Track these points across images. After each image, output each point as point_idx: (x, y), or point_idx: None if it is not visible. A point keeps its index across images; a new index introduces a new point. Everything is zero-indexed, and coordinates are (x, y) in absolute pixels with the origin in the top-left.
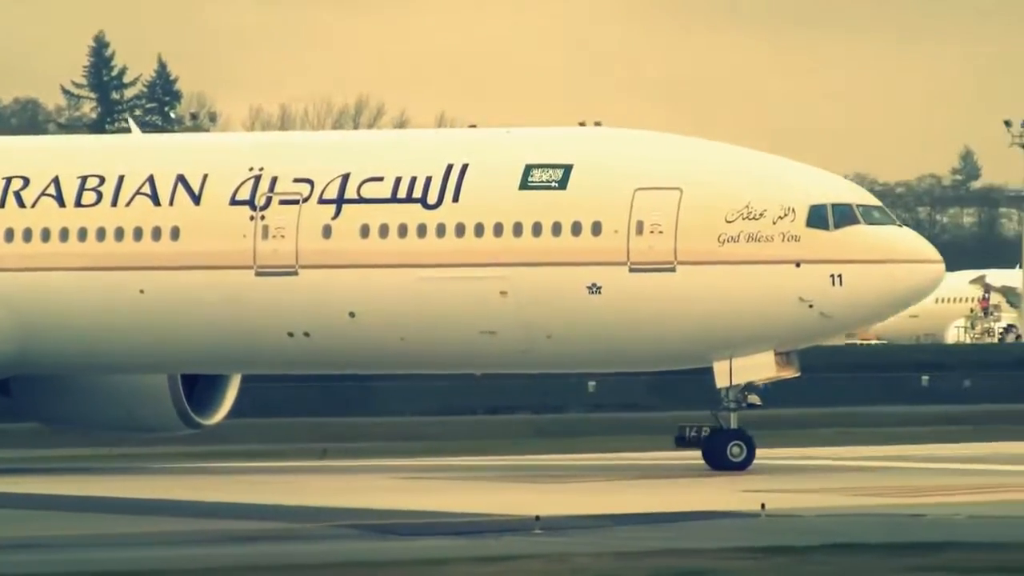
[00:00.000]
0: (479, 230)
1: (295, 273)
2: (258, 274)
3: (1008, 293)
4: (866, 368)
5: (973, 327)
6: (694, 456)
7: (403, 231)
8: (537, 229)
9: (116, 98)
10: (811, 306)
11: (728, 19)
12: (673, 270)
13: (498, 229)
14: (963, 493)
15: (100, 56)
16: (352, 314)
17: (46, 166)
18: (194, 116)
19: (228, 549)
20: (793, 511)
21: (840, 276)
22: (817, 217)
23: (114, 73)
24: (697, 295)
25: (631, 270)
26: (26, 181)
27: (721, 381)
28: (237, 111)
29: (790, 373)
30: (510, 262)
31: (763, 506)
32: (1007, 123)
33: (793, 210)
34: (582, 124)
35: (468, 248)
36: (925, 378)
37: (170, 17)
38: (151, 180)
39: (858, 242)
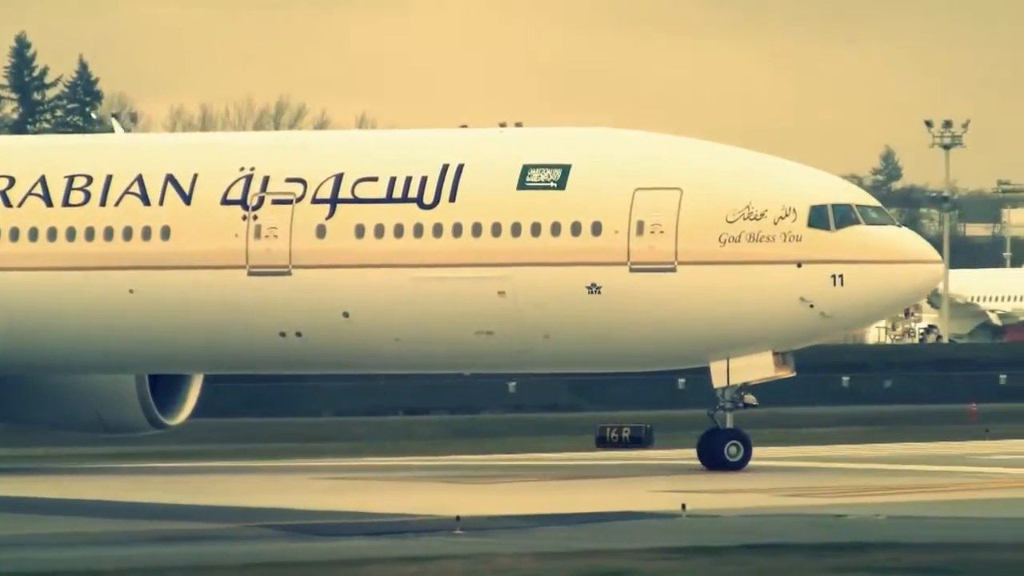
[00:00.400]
0: (477, 230)
1: (288, 273)
2: (251, 274)
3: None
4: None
5: (894, 328)
6: (615, 456)
7: (399, 231)
8: (536, 229)
9: (37, 99)
10: (812, 306)
11: (648, 18)
12: (674, 270)
13: (496, 229)
14: (884, 494)
15: (21, 57)
16: (346, 314)
17: (32, 166)
18: (115, 116)
19: (146, 550)
20: (713, 511)
21: (842, 276)
22: (818, 217)
23: (35, 74)
24: (698, 295)
25: (631, 270)
26: (11, 181)
27: (718, 381)
28: (158, 112)
29: (786, 373)
30: (509, 262)
31: (684, 506)
32: (928, 124)
33: (794, 210)
34: (502, 125)
35: (466, 248)
36: (846, 379)
37: (91, 18)
38: (140, 180)
39: (860, 242)
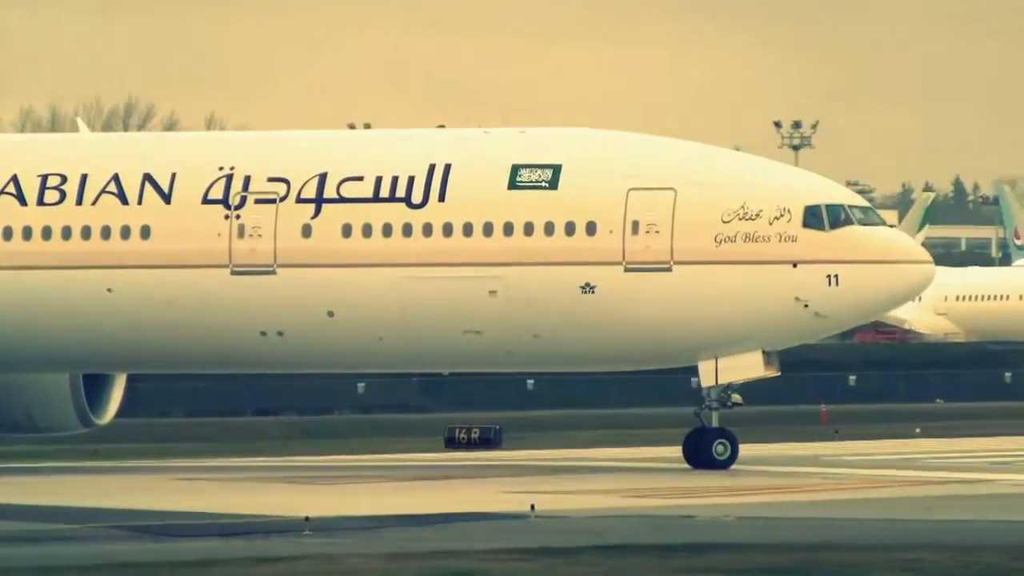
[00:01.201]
0: (468, 229)
1: (273, 272)
2: (234, 273)
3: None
4: (633, 372)
5: None
6: (464, 457)
7: (387, 230)
8: (529, 228)
9: None
10: (806, 306)
11: (481, 17)
12: (669, 270)
13: (488, 228)
14: (732, 494)
15: None
16: (331, 313)
17: (3, 165)
18: None
19: None
20: (562, 512)
21: (837, 276)
22: (812, 217)
23: None
24: (693, 294)
25: (627, 269)
26: None
27: (706, 380)
28: (7, 113)
29: (772, 372)
30: (501, 261)
31: (532, 507)
32: (777, 124)
33: (789, 211)
34: (351, 127)
35: (457, 247)
36: (695, 380)
37: None
38: (116, 179)
39: (854, 243)
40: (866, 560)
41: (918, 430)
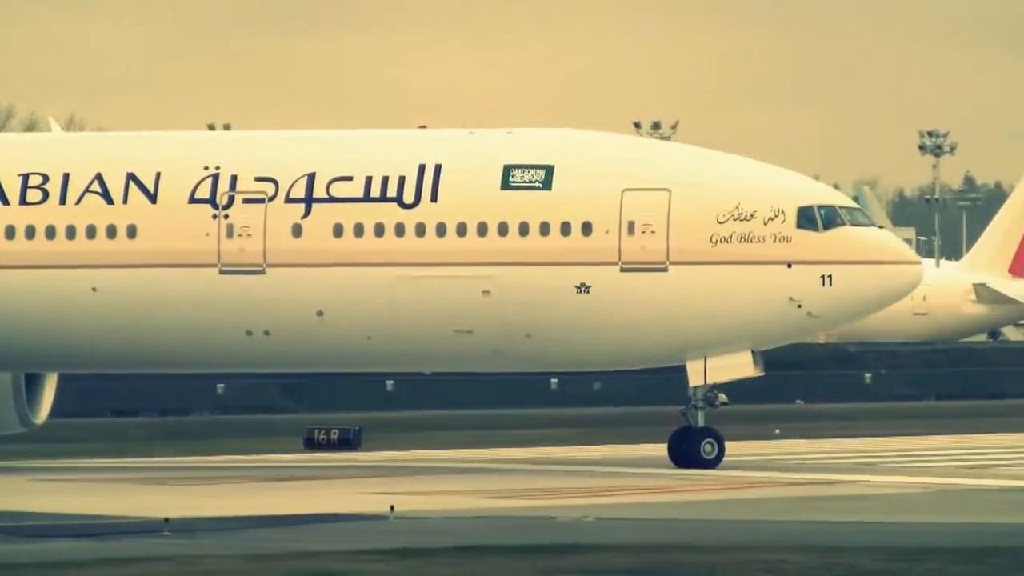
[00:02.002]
0: (462, 229)
1: (262, 272)
2: (222, 272)
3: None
4: (494, 373)
5: None
6: (324, 458)
7: (380, 230)
8: (524, 229)
9: None
10: (800, 306)
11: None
12: (665, 270)
13: (482, 228)
14: (591, 495)
15: None
16: (320, 313)
17: None
18: None
19: None
20: (422, 513)
21: (830, 276)
22: (805, 218)
23: None
24: (689, 295)
25: (622, 270)
26: None
27: (694, 380)
28: None
29: (758, 372)
30: (495, 261)
31: (392, 508)
32: (637, 125)
33: (782, 211)
34: (211, 127)
35: (451, 247)
36: (555, 381)
37: None
38: (99, 178)
39: (847, 243)
40: (727, 561)
41: (778, 431)
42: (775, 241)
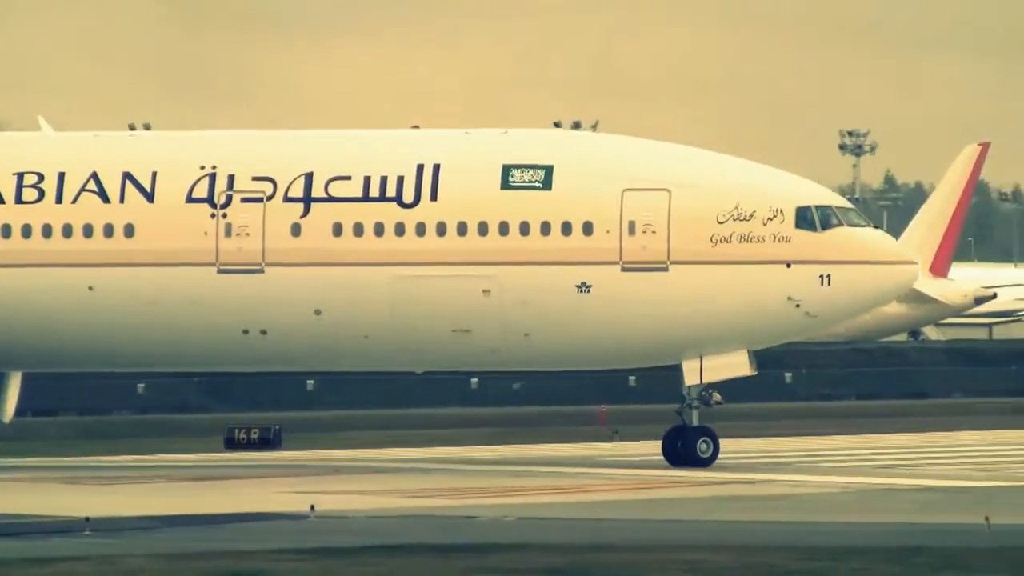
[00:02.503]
0: (462, 229)
1: (261, 271)
2: (220, 271)
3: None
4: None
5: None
6: (244, 458)
7: (379, 229)
8: (525, 228)
9: None
10: (798, 305)
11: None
12: (666, 269)
13: (483, 228)
14: (512, 495)
15: None
16: (318, 312)
17: None
18: None
19: None
20: (343, 512)
21: (829, 276)
22: (803, 219)
23: None
24: (689, 294)
25: (623, 269)
26: None
27: (690, 379)
28: None
29: (752, 372)
30: (496, 261)
31: (312, 507)
32: (557, 124)
33: (781, 211)
34: (131, 128)
35: (451, 247)
36: (475, 380)
37: None
38: (95, 177)
39: (845, 243)
40: (648, 560)
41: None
42: (775, 241)
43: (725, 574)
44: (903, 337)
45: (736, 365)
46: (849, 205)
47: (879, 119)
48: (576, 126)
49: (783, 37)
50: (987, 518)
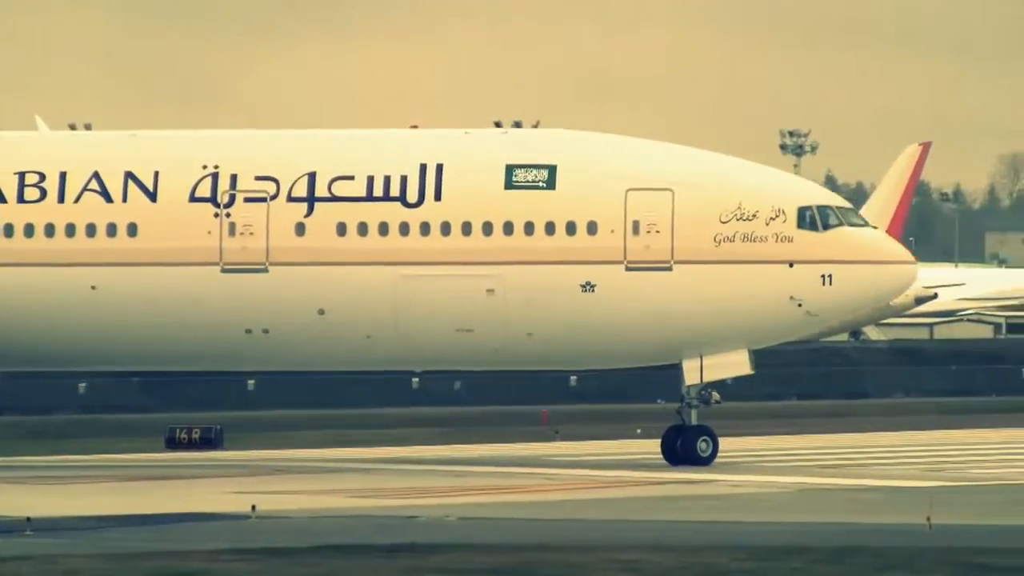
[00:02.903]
0: (467, 228)
1: (265, 270)
2: (224, 271)
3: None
4: (356, 371)
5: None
6: (185, 458)
7: (384, 229)
8: (529, 228)
9: None
10: (800, 305)
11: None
12: (670, 269)
13: (487, 228)
14: (454, 495)
15: None
16: (322, 311)
17: None
18: None
19: None
20: (284, 512)
21: (831, 276)
22: (805, 218)
23: None
24: (693, 294)
25: (627, 268)
26: None
27: (690, 378)
28: None
29: (751, 371)
30: (500, 260)
31: (254, 507)
32: (497, 124)
33: (783, 211)
34: (71, 127)
35: (455, 246)
36: (416, 380)
37: None
38: (97, 176)
39: (847, 243)
40: (588, 561)
41: (639, 431)
42: (777, 241)
43: (665, 574)
44: (844, 337)
45: (736, 364)
46: (847, 205)
47: (820, 119)
48: (517, 125)
49: (724, 37)
50: (928, 518)
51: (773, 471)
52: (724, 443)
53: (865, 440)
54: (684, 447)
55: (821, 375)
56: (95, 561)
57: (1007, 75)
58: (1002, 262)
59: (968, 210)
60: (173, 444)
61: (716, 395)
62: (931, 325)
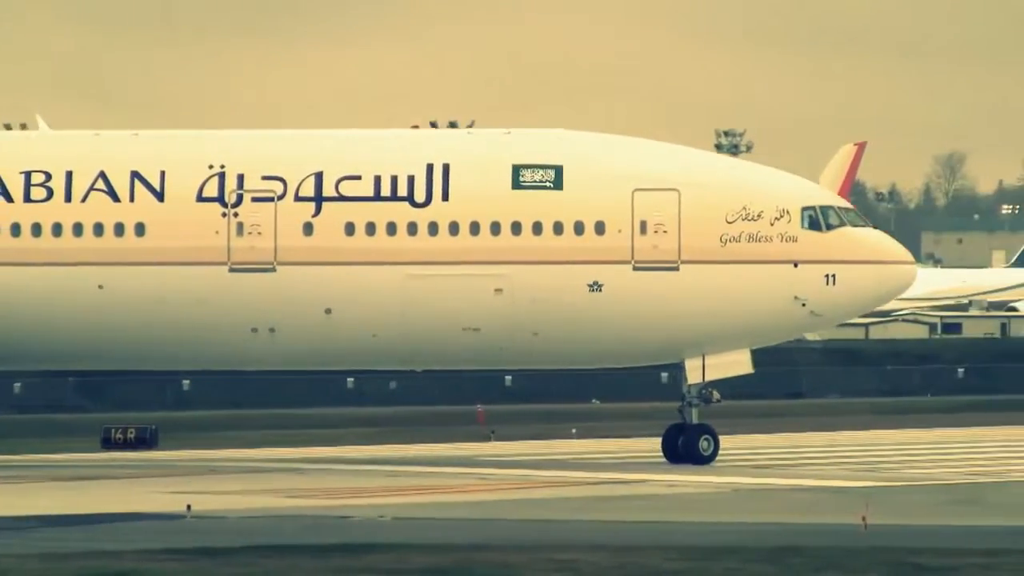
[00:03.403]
0: (475, 228)
1: (273, 270)
2: (232, 270)
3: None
4: (289, 371)
5: None
6: (120, 458)
7: (392, 228)
8: (538, 228)
9: None
10: (804, 304)
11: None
12: (677, 269)
13: (495, 228)
14: (389, 495)
15: None
16: (328, 310)
17: None
18: None
19: None
20: (218, 512)
21: (834, 276)
22: (809, 219)
23: None
24: (699, 293)
25: (635, 268)
26: None
27: (693, 377)
28: None
29: (752, 370)
30: (509, 260)
31: (188, 507)
32: (433, 124)
33: (787, 212)
34: (7, 127)
35: (463, 246)
36: (351, 380)
37: None
38: (103, 176)
39: (850, 244)
40: (522, 560)
41: (574, 430)
42: (782, 241)
43: (600, 574)
44: None
45: (738, 363)
46: (849, 205)
47: (755, 119)
48: (452, 125)
49: (660, 37)
50: (863, 518)
51: (708, 471)
52: (659, 443)
53: (801, 440)
54: (686, 445)
55: (757, 375)
56: (27, 561)
57: (943, 75)
58: (937, 262)
59: (904, 210)
60: (108, 444)
61: (716, 394)
62: (867, 325)
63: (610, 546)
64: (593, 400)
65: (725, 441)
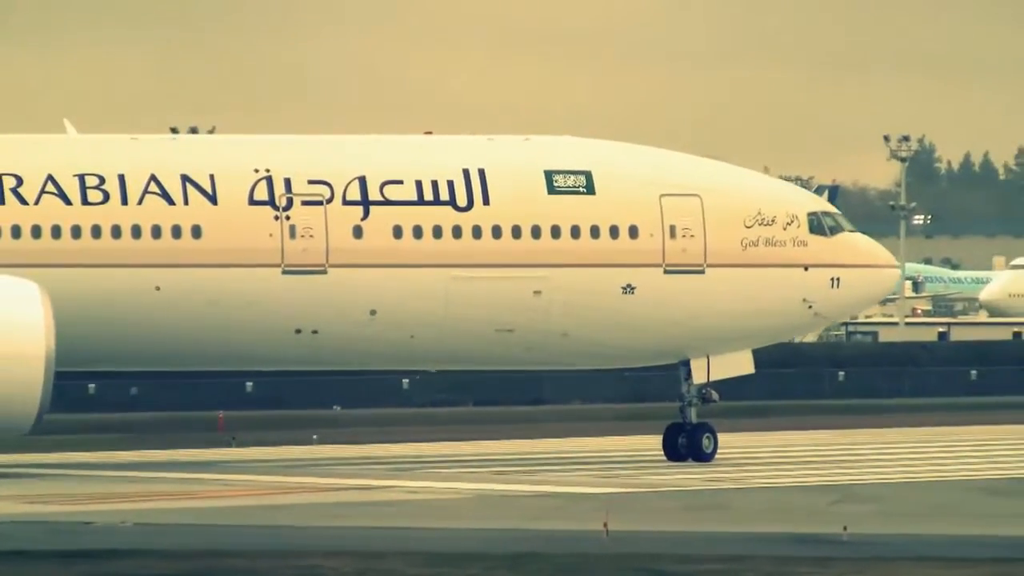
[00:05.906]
0: (516, 232)
1: (324, 272)
2: (285, 272)
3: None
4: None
5: None
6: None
7: (438, 232)
8: (575, 232)
9: None
10: (810, 307)
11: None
12: (703, 272)
13: (535, 231)
14: (130, 501)
15: None
16: (374, 312)
17: (40, 164)
18: None
19: None
20: None
21: (838, 279)
22: (814, 224)
23: None
24: (721, 295)
25: (666, 271)
26: (19, 180)
27: (699, 377)
28: None
29: (753, 370)
30: (548, 263)
31: None
32: (193, 130)
33: (797, 217)
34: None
35: (505, 249)
36: (92, 385)
37: None
38: (155, 179)
39: (851, 248)
40: (265, 567)
41: (315, 437)
42: (794, 245)
43: None
44: None
45: (741, 363)
46: (836, 211)
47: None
48: (193, 131)
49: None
50: (605, 524)
51: (449, 477)
52: (406, 449)
53: (542, 446)
54: (689, 444)
55: (499, 379)
56: None
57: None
58: None
59: None
60: None
61: (715, 394)
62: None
63: (351, 552)
64: (335, 407)
65: (465, 447)
